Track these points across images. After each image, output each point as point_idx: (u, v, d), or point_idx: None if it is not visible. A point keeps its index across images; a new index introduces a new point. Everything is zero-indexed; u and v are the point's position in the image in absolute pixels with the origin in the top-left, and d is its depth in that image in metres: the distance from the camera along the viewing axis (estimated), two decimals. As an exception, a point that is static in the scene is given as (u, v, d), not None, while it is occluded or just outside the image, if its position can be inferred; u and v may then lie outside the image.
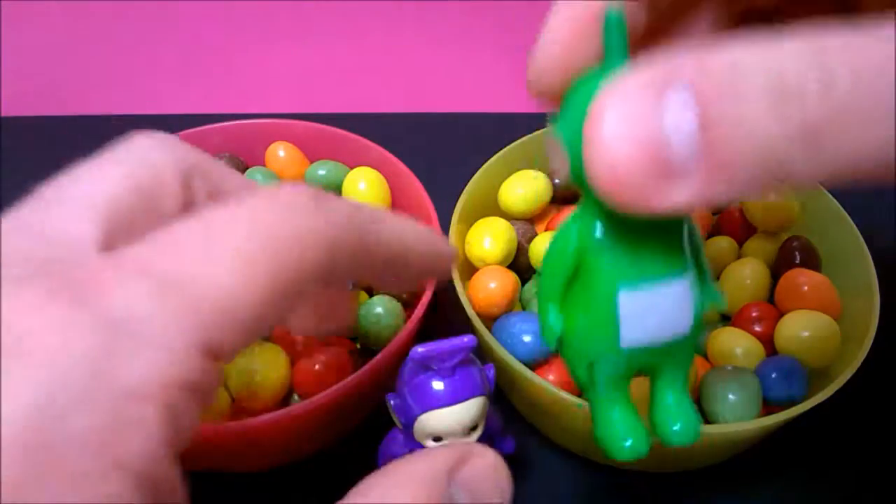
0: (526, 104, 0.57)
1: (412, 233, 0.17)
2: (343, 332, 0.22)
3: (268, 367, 0.27)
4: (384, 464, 0.25)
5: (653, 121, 0.12)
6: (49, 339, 0.11)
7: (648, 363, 0.16)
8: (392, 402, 0.22)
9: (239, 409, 0.28)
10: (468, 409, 0.22)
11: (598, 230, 0.14)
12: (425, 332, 0.31)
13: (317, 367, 0.28)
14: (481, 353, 0.35)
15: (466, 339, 0.21)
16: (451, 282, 0.30)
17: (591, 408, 0.17)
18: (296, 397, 0.29)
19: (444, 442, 0.22)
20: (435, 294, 0.29)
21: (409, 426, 0.23)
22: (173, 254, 0.12)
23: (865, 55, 0.11)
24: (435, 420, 0.21)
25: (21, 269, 0.12)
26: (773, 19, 0.19)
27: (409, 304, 0.32)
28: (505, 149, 0.36)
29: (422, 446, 0.23)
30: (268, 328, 0.14)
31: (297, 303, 0.14)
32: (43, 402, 0.10)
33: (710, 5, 0.18)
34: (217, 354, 0.12)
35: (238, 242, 0.13)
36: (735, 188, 0.12)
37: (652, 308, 0.15)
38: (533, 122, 0.38)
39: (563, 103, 0.15)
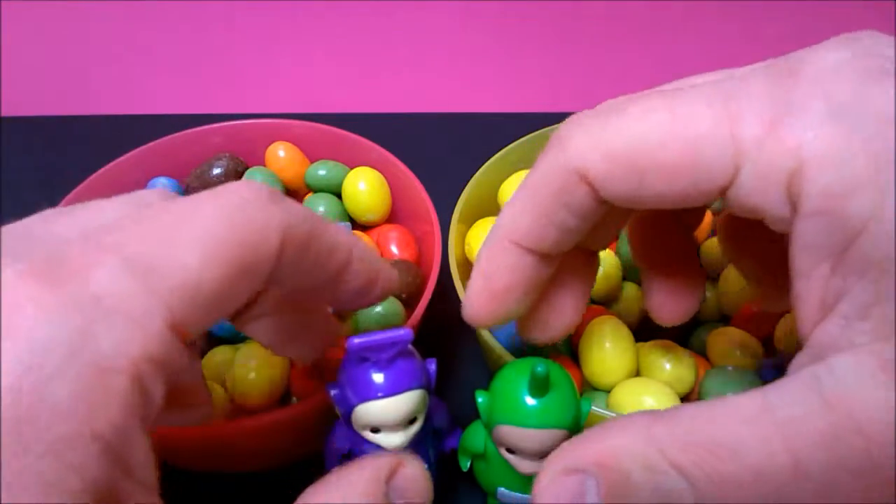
0: (526, 104, 0.57)
1: (359, 244, 0.20)
2: (315, 356, 0.23)
3: (265, 367, 0.27)
4: (329, 454, 0.25)
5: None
6: (29, 314, 0.12)
7: None
8: (332, 392, 0.23)
9: (237, 409, 0.28)
10: (405, 402, 0.22)
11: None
12: (425, 332, 0.31)
13: (314, 367, 0.28)
14: (481, 352, 0.35)
15: (403, 332, 0.21)
16: (451, 282, 0.30)
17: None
18: (294, 399, 0.29)
19: (379, 436, 0.22)
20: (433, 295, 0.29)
21: (347, 417, 0.23)
22: (142, 237, 0.14)
23: (723, 466, 0.14)
24: (371, 411, 0.22)
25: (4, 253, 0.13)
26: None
27: (408, 305, 0.32)
28: (505, 149, 0.36)
29: (362, 437, 0.23)
30: (230, 308, 0.15)
31: (256, 287, 0.16)
32: (25, 373, 0.11)
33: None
34: (183, 332, 0.14)
35: (201, 228, 0.14)
36: None
37: (520, 500, 0.24)
38: (533, 122, 0.38)
39: (493, 381, 0.23)
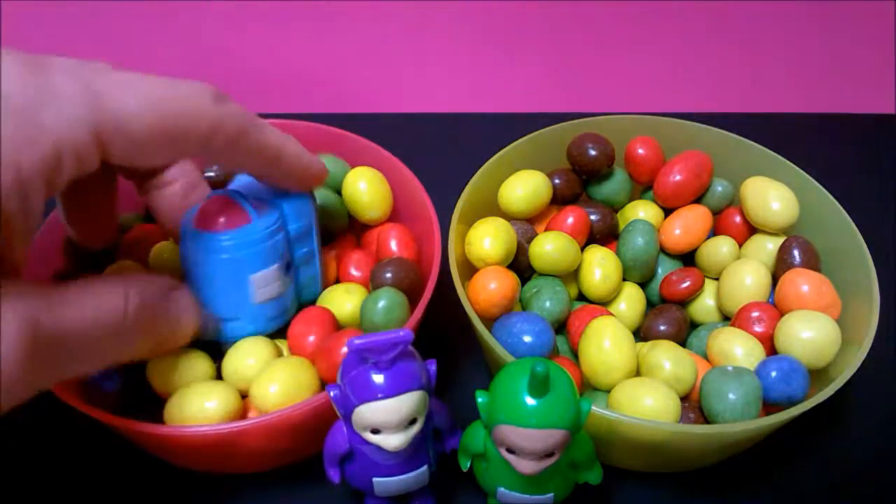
0: (526, 104, 0.57)
1: (290, 141, 0.26)
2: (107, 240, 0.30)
3: (300, 379, 0.27)
4: (330, 456, 0.25)
5: None
6: (10, 77, 0.18)
7: None
8: (332, 392, 0.23)
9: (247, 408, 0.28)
10: (405, 403, 0.22)
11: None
12: (425, 333, 0.31)
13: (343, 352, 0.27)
14: (481, 352, 0.35)
15: (403, 333, 0.21)
16: (451, 282, 0.30)
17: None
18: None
19: (379, 437, 0.22)
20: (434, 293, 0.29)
21: (347, 417, 0.23)
22: (103, 76, 0.20)
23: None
24: (371, 412, 0.22)
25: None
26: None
27: (410, 302, 0.32)
28: (505, 149, 0.36)
29: (362, 438, 0.23)
30: (147, 156, 0.21)
31: (173, 155, 0.22)
32: None
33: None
34: (102, 147, 0.20)
35: (150, 92, 0.20)
36: None
37: (520, 499, 0.25)
38: (533, 122, 0.38)
39: (493, 381, 0.23)
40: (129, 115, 0.20)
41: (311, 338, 0.29)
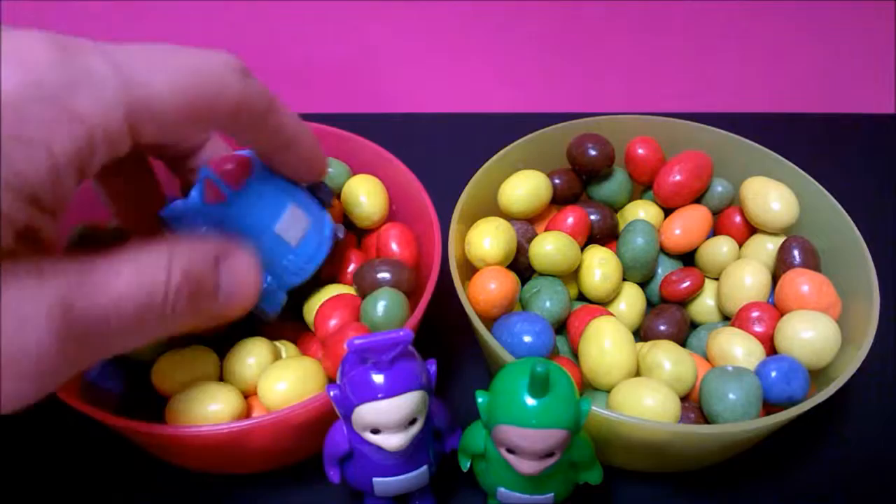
0: (526, 104, 0.56)
1: (306, 130, 0.25)
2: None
3: (300, 382, 0.27)
4: (330, 456, 0.25)
5: None
6: (38, 55, 0.17)
7: None
8: (332, 392, 0.23)
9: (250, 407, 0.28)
10: (405, 403, 0.22)
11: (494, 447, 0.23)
12: (425, 332, 0.31)
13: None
14: (481, 352, 0.35)
15: (403, 333, 0.21)
16: (451, 282, 0.30)
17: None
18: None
19: (379, 436, 0.23)
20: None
21: (347, 417, 0.23)
22: (132, 56, 0.19)
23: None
24: (371, 412, 0.22)
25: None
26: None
27: (410, 302, 0.31)
28: (505, 149, 0.36)
29: (362, 438, 0.23)
30: (178, 137, 0.22)
31: (203, 130, 0.23)
32: (21, 87, 0.16)
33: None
34: (133, 129, 0.18)
35: (177, 68, 0.19)
36: None
37: (520, 499, 0.25)
38: (533, 122, 0.38)
39: (494, 381, 0.23)
40: (160, 97, 0.19)
41: (333, 321, 0.29)
